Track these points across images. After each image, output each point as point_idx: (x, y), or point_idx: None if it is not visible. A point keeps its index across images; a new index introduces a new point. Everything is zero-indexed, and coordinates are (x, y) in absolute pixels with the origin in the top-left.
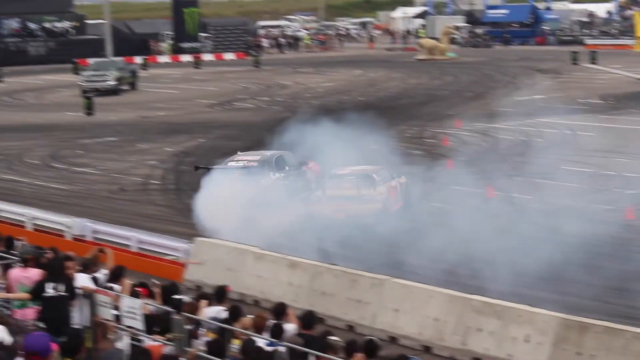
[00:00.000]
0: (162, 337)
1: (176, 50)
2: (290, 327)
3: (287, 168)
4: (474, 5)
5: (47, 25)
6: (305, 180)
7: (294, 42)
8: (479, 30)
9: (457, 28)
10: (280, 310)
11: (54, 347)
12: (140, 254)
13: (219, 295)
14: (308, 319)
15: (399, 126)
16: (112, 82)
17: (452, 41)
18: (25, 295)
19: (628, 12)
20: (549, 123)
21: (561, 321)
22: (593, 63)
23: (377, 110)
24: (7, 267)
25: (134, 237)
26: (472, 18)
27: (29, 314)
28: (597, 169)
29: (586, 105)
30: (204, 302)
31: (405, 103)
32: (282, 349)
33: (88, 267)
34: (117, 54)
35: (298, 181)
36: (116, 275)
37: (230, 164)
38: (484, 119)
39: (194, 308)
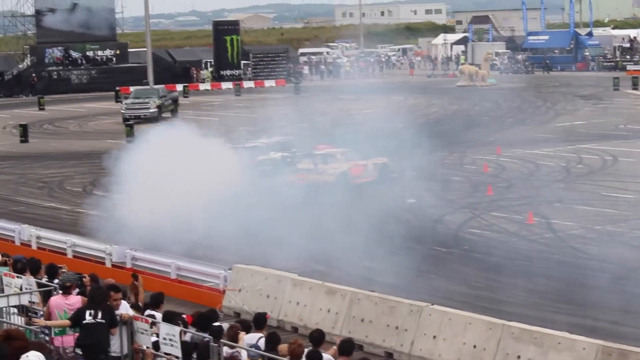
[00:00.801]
0: None
1: (217, 78)
2: (328, 357)
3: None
4: (514, 31)
5: (89, 53)
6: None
7: (334, 69)
8: (520, 56)
9: (498, 54)
10: (317, 338)
11: None
12: (180, 281)
13: (258, 322)
14: (346, 346)
15: (439, 152)
16: (153, 110)
17: (493, 67)
18: (65, 322)
19: None
20: (589, 149)
21: (601, 348)
22: (635, 89)
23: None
24: (49, 294)
25: (173, 264)
26: (513, 44)
27: (68, 341)
28: (638, 195)
29: (627, 131)
30: (242, 330)
31: (446, 129)
32: None
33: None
34: (158, 81)
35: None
36: (156, 302)
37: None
38: (524, 145)
39: (233, 335)
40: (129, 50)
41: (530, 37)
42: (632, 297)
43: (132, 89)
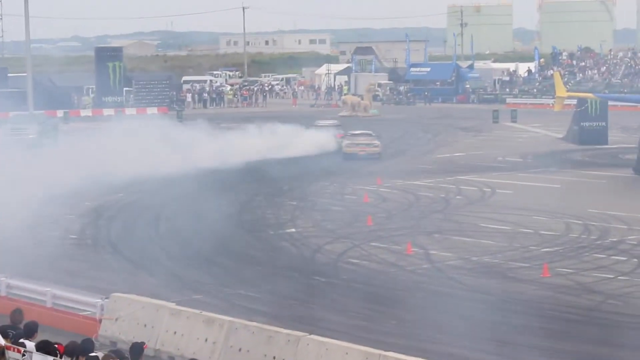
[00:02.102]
0: None
1: (98, 104)
2: None
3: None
4: (397, 62)
5: None
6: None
7: (217, 97)
8: (402, 88)
9: (380, 85)
10: None
11: None
12: (55, 309)
13: (134, 352)
14: None
15: (321, 182)
16: (33, 136)
17: (375, 98)
18: None
19: (548, 72)
20: (469, 180)
21: None
22: (513, 121)
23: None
24: None
25: (48, 293)
26: (396, 75)
27: None
28: (514, 226)
29: (506, 163)
30: None
31: (328, 159)
32: None
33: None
34: (38, 107)
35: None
36: (29, 331)
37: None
38: (405, 175)
39: None
40: (8, 74)
41: (412, 69)
42: (508, 327)
43: (11, 114)
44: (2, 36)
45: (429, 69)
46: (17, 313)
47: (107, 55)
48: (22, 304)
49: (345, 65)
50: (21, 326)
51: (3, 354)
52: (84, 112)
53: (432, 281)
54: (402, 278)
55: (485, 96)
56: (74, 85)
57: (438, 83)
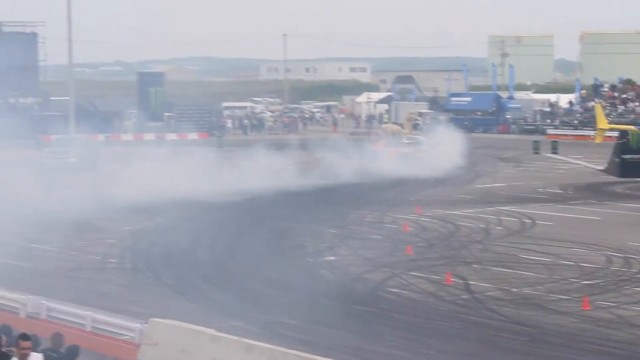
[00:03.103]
0: None
1: (139, 129)
2: None
3: None
4: (438, 92)
5: (11, 100)
6: None
7: (258, 123)
8: (442, 117)
9: (421, 114)
10: None
11: None
12: (95, 333)
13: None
14: None
15: (361, 210)
16: (74, 160)
17: (415, 127)
18: None
19: (589, 104)
20: (509, 211)
21: None
22: (554, 153)
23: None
24: None
25: (88, 316)
26: (436, 105)
27: None
28: (555, 258)
29: (546, 194)
30: None
31: (367, 188)
32: None
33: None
34: (80, 131)
35: None
36: (71, 356)
37: None
38: (444, 205)
39: None
40: (51, 98)
41: (453, 98)
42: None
43: (53, 137)
44: (46, 60)
45: (469, 99)
46: (58, 337)
47: (149, 81)
48: (62, 328)
49: (386, 94)
50: (62, 350)
51: None
52: (125, 137)
53: (471, 312)
54: (441, 308)
55: (526, 127)
56: (116, 109)
57: (478, 113)
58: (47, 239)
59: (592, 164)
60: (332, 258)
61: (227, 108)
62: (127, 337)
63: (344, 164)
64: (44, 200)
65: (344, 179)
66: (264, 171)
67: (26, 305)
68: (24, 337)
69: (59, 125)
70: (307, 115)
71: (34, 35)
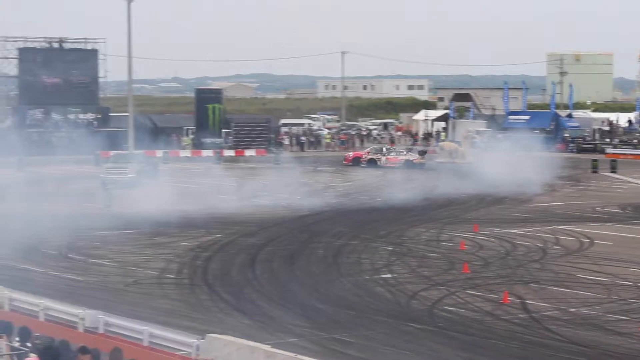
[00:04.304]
0: None
1: (197, 145)
2: None
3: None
4: (495, 110)
5: (71, 116)
6: None
7: (315, 140)
8: (500, 135)
9: (478, 132)
10: None
11: None
12: (152, 348)
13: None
14: None
15: (417, 228)
16: (132, 175)
17: (473, 145)
18: None
19: None
20: (567, 230)
21: None
22: (613, 172)
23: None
24: (20, 358)
25: (145, 331)
26: (494, 123)
27: None
28: (613, 278)
29: (605, 213)
30: None
31: (424, 205)
32: None
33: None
34: (139, 147)
35: None
36: None
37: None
38: (501, 223)
39: None
40: (110, 114)
41: (511, 117)
42: None
43: (112, 153)
44: (106, 76)
45: (527, 117)
46: (116, 352)
47: (206, 97)
48: (120, 342)
49: (443, 112)
50: None
51: None
52: (183, 153)
53: (528, 331)
54: (498, 327)
55: (585, 145)
56: (174, 125)
57: (537, 131)
58: (104, 254)
59: None
60: (389, 275)
61: (284, 125)
62: (183, 352)
63: (400, 181)
64: (102, 215)
65: (401, 197)
66: (320, 188)
67: (84, 319)
68: (84, 350)
69: (118, 140)
70: (364, 133)
71: (94, 51)
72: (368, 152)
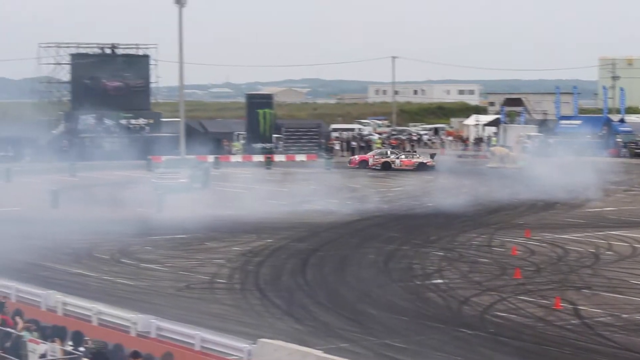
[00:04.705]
0: None
1: (248, 150)
2: None
3: None
4: (547, 114)
5: (123, 121)
6: None
7: (365, 145)
8: (552, 140)
9: (530, 137)
10: None
11: None
12: (204, 352)
13: None
14: None
15: (468, 233)
16: (184, 180)
17: (524, 150)
18: None
19: None
20: (619, 236)
21: None
22: None
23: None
24: None
25: (197, 336)
26: (545, 128)
27: None
28: None
29: None
30: None
31: (475, 210)
32: None
33: None
34: (190, 152)
35: None
36: None
37: None
38: (553, 229)
39: None
40: (162, 119)
41: (562, 122)
42: None
43: (163, 158)
44: (157, 82)
45: (579, 122)
46: (168, 356)
47: (257, 102)
48: (171, 347)
49: (494, 116)
50: None
51: None
52: (234, 158)
53: (580, 337)
54: (550, 333)
55: (637, 150)
56: (225, 130)
57: (588, 136)
58: (156, 258)
59: None
60: (440, 281)
61: (335, 130)
62: (235, 357)
63: (452, 186)
64: (154, 220)
65: (451, 202)
66: (371, 193)
67: (137, 324)
68: (135, 354)
69: (169, 146)
70: (414, 138)
71: (146, 57)
72: (374, 156)
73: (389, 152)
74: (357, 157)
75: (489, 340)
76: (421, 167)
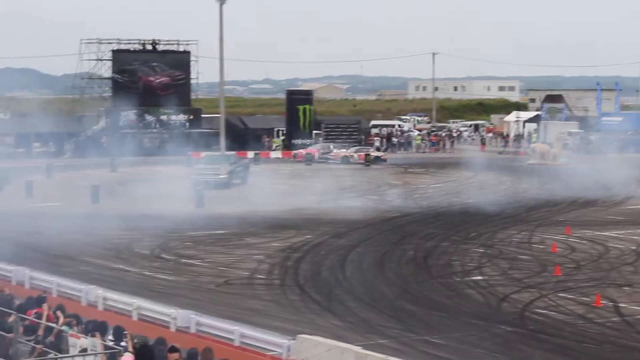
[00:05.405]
0: None
1: (288, 146)
2: None
3: None
4: (588, 111)
5: (163, 117)
6: None
7: (405, 141)
8: (593, 137)
9: (571, 134)
10: None
11: None
12: (243, 348)
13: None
14: None
15: (508, 230)
16: (224, 176)
17: (565, 147)
18: None
19: None
20: None
21: None
22: None
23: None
24: (114, 356)
25: (237, 331)
26: (586, 124)
27: None
28: None
29: None
30: None
31: (515, 207)
32: None
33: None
34: (230, 148)
35: None
36: None
37: None
38: (594, 226)
39: None
40: (202, 115)
41: (604, 118)
42: None
43: (203, 154)
44: (198, 78)
45: (620, 119)
46: (208, 352)
47: (297, 98)
48: (211, 342)
49: (535, 113)
50: None
51: None
52: (273, 154)
53: (621, 335)
54: (591, 330)
55: None
56: (265, 126)
57: (630, 133)
58: (196, 254)
59: None
60: (479, 278)
61: (375, 126)
62: (274, 352)
63: (490, 183)
64: (194, 215)
65: (491, 198)
66: (410, 189)
67: (176, 319)
68: (173, 349)
69: (209, 141)
70: (454, 134)
71: (187, 53)
72: (319, 150)
73: (331, 147)
74: (303, 151)
75: (529, 338)
76: (345, 160)
